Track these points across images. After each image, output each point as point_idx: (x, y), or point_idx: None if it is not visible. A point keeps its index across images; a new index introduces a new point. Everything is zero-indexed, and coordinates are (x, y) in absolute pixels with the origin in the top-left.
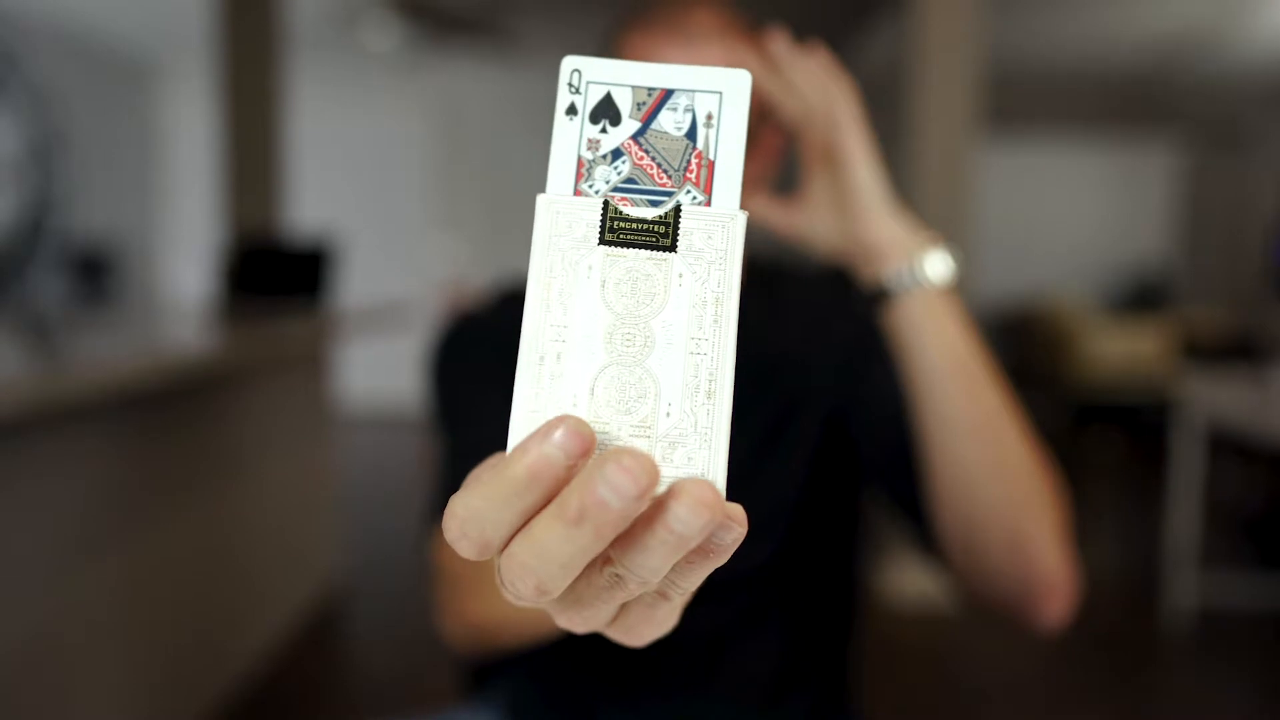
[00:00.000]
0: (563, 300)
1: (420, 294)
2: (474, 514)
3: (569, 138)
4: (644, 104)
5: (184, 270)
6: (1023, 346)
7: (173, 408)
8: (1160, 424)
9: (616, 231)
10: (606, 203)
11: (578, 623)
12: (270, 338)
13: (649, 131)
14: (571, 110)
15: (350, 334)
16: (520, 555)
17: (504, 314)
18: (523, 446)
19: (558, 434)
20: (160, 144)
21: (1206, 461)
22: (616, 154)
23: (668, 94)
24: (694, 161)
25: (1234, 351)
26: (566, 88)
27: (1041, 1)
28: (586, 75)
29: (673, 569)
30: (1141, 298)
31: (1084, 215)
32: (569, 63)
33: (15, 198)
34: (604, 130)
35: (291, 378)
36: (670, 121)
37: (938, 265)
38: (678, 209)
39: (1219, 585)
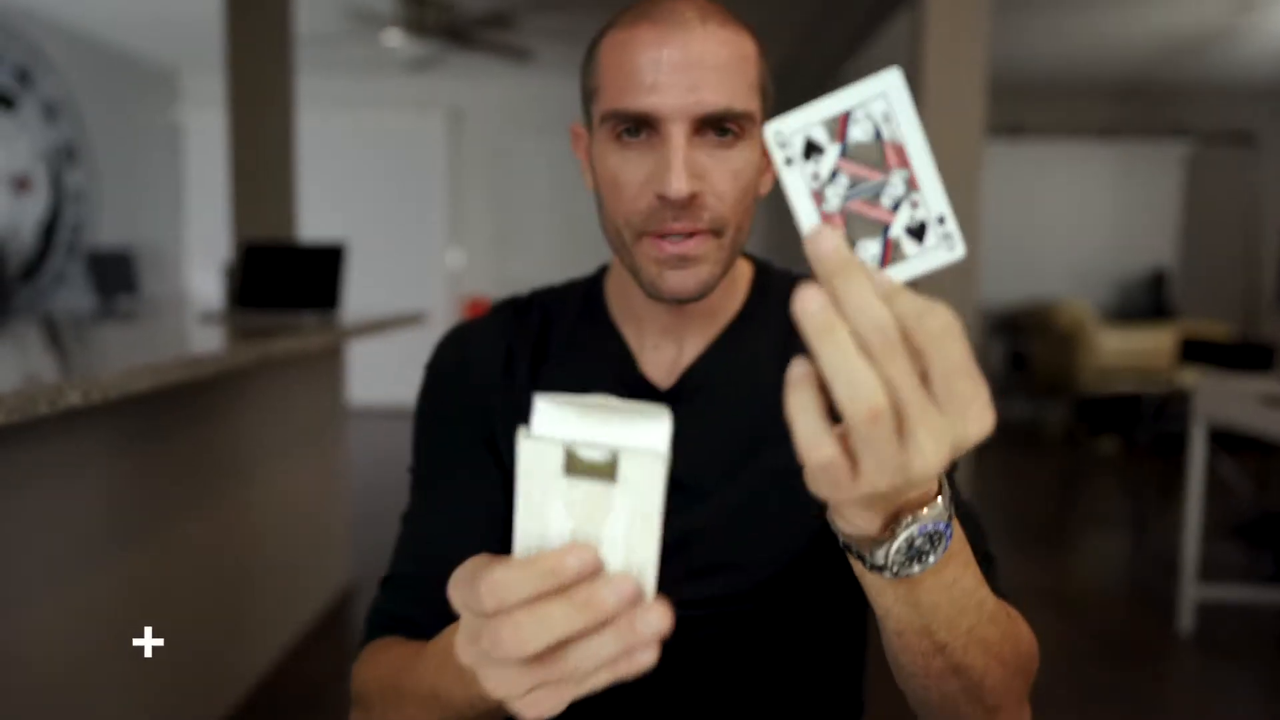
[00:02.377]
0: (541, 513)
1: (435, 301)
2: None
3: (797, 181)
4: (834, 130)
5: (205, 277)
6: (1028, 349)
7: (187, 407)
8: (1166, 427)
9: (575, 468)
10: (566, 447)
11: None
12: (285, 344)
13: (849, 148)
14: (788, 161)
15: (365, 340)
16: (529, 627)
17: (499, 322)
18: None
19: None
20: (184, 152)
21: (1213, 463)
22: (834, 174)
23: (848, 115)
24: (890, 152)
25: (1240, 355)
26: (776, 147)
27: (1045, 4)
28: (786, 129)
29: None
30: (1148, 301)
31: (1090, 219)
32: (770, 127)
33: (39, 205)
34: (817, 162)
35: (306, 375)
36: (860, 133)
37: (942, 521)
38: (616, 459)
39: (1225, 585)
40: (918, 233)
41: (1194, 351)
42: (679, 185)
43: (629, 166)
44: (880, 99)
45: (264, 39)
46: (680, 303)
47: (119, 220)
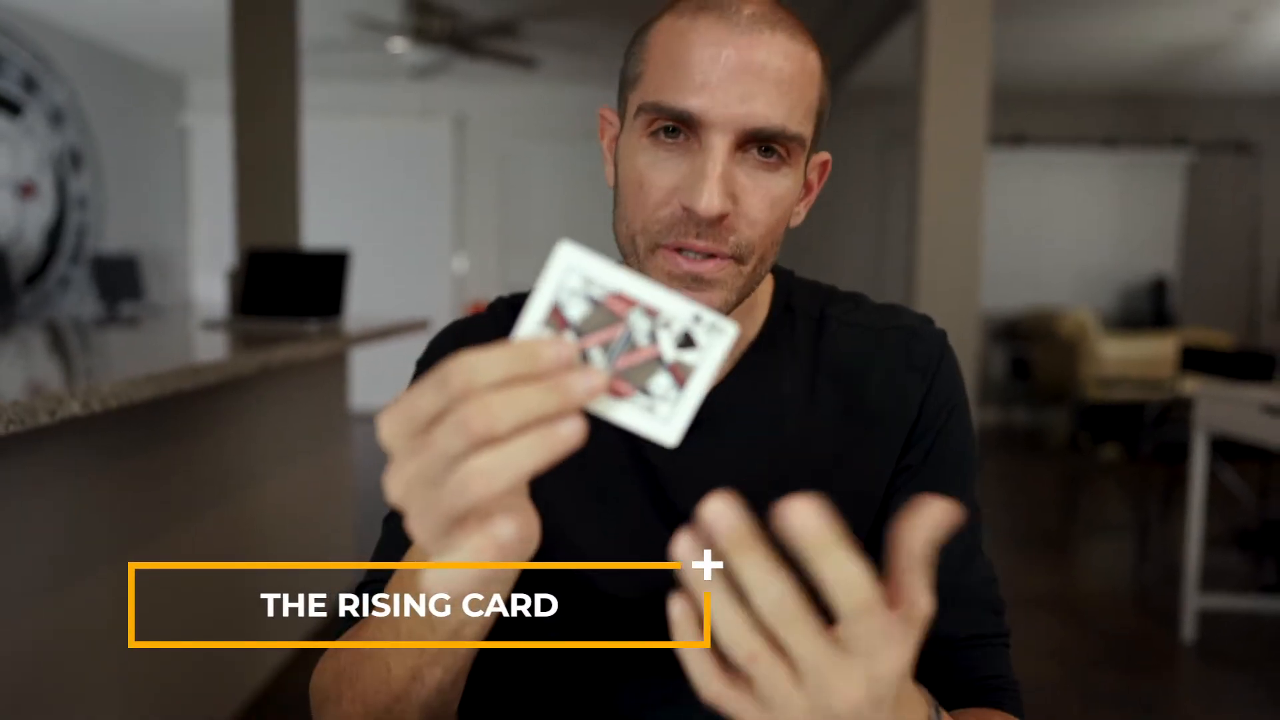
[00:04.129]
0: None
1: (440, 308)
2: None
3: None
4: (555, 323)
5: (211, 283)
6: (1030, 357)
7: (190, 413)
8: (1168, 435)
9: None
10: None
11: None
12: (287, 353)
13: (579, 326)
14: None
15: (369, 346)
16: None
17: (497, 321)
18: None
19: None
20: (190, 158)
21: (1214, 472)
22: (585, 355)
23: (556, 305)
24: (613, 304)
25: (1241, 364)
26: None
27: (1047, 13)
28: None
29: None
30: (1149, 309)
31: (1092, 227)
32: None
33: (44, 210)
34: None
35: (310, 382)
36: (576, 310)
37: None
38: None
39: (1227, 594)
40: (688, 342)
41: (1195, 360)
42: (710, 200)
43: (659, 169)
44: (570, 273)
45: (269, 45)
46: None
47: (124, 226)
